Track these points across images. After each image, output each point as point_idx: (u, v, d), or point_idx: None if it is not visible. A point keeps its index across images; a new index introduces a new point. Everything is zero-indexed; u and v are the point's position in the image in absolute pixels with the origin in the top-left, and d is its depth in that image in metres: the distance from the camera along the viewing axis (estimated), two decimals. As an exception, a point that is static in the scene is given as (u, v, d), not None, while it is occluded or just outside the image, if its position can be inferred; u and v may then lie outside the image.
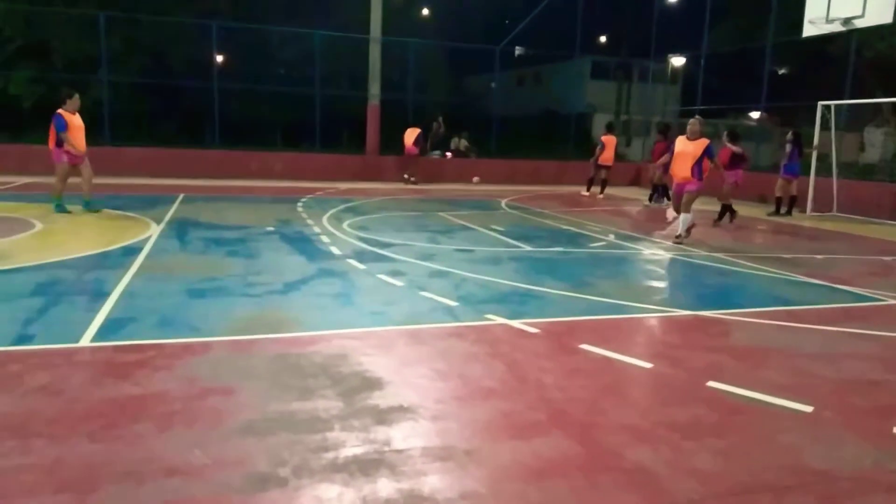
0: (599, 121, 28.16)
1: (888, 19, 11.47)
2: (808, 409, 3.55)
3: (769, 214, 13.29)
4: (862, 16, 11.75)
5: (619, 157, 18.21)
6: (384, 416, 3.22)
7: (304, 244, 7.87)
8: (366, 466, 2.74)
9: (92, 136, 16.86)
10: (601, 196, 15.95)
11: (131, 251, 6.97)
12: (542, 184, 19.30)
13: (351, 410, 3.27)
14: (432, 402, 3.43)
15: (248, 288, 5.65)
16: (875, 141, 21.84)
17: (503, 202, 13.97)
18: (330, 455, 2.82)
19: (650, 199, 14.69)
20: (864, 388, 3.95)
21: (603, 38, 36.50)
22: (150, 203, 10.94)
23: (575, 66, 31.18)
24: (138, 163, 16.13)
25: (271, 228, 8.95)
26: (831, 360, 4.43)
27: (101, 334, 4.25)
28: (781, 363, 4.32)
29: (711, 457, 2.98)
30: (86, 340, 4.12)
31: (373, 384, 3.62)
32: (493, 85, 23.55)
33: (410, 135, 17.13)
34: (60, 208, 9.51)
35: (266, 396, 3.40)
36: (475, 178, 18.16)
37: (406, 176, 17.36)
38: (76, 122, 9.57)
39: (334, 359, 3.98)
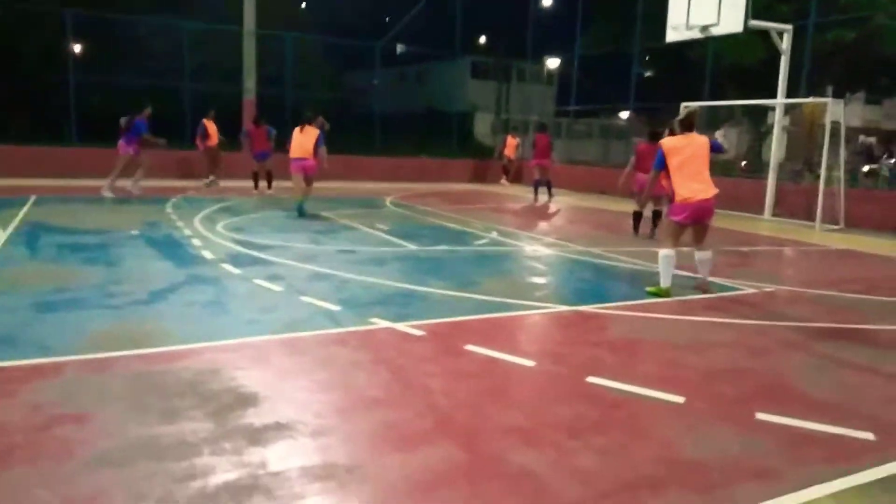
0: (481, 119, 28.70)
1: (739, 29, 12.40)
2: (681, 399, 3.69)
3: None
4: (717, 24, 12.64)
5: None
6: (259, 436, 3.01)
7: (172, 248, 7.36)
8: (238, 493, 2.52)
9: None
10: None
11: (-31, 261, 6.22)
12: (427, 181, 19.36)
13: (222, 431, 3.03)
14: (312, 417, 3.25)
15: (107, 299, 5.17)
16: (731, 139, 23.71)
17: (388, 200, 13.85)
18: (197, 483, 2.58)
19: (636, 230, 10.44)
20: (730, 376, 4.17)
21: (482, 39, 37.21)
22: (-6, 206, 9.87)
23: (456, 65, 31.57)
24: (-18, 161, 14.57)
25: (136, 232, 8.31)
26: (700, 349, 4.66)
27: (-74, 360, 3.72)
28: (654, 355, 4.50)
29: (593, 455, 3.01)
30: None
31: (247, 401, 3.38)
32: (374, 82, 23.34)
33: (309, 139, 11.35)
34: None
35: (124, 421, 3.08)
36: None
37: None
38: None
39: (204, 374, 3.69)
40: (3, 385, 3.43)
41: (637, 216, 10.33)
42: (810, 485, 2.82)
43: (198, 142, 15.10)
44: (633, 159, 10.14)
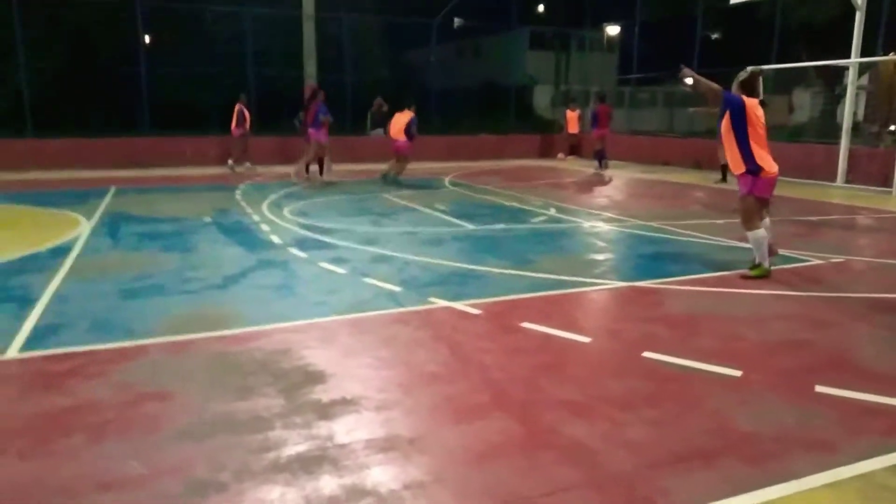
0: (540, 92, 28.33)
1: (808, -15, 11.81)
2: (737, 373, 3.70)
3: (717, 182, 13.33)
4: (784, -18, 12.07)
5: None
6: (327, 411, 3.22)
7: (243, 234, 7.73)
8: (308, 464, 2.74)
9: (13, 127, 16.16)
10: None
11: (60, 251, 6.71)
12: (485, 158, 19.37)
13: (292, 407, 3.25)
14: (376, 392, 3.44)
15: (184, 284, 5.52)
16: (803, 103, 22.61)
17: (446, 179, 13.97)
18: (271, 455, 2.81)
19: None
20: (789, 348, 4.14)
21: (540, 8, 36.53)
22: (79, 198, 10.52)
23: (513, 37, 31.15)
24: (65, 155, 15.47)
25: (208, 219, 8.74)
26: (759, 323, 4.62)
27: (30, 344, 4.10)
28: (712, 329, 4.49)
29: (645, 427, 3.09)
30: (13, 351, 3.97)
31: (315, 378, 3.61)
32: (431, 59, 23.35)
33: (399, 122, 13.23)
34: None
35: (204, 398, 3.35)
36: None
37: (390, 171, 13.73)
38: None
39: (275, 354, 3.94)
40: (96, 366, 3.76)
41: None
42: (868, 457, 2.83)
43: (234, 127, 15.28)
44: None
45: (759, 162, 5.61)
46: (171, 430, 3.01)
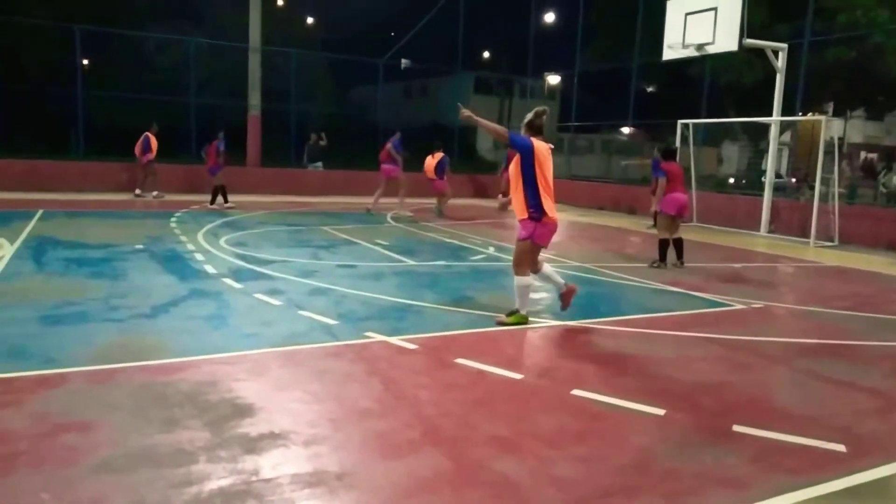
0: (483, 134, 28.91)
1: (734, 48, 12.60)
2: (661, 411, 3.83)
3: (649, 228, 13.74)
4: (712, 42, 12.85)
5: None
6: (253, 445, 3.16)
7: (175, 263, 7.54)
8: (231, 499, 2.67)
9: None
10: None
11: (-22, 275, 6.40)
12: (429, 196, 19.53)
13: (218, 440, 3.18)
14: (305, 427, 3.40)
15: (111, 312, 5.34)
16: (731, 155, 23.90)
17: (389, 215, 14.03)
18: (193, 490, 2.73)
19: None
20: (711, 389, 4.30)
21: (486, 54, 37.58)
22: (2, 220, 10.08)
23: (459, 80, 31.88)
24: (-10, 176, 14.81)
25: (140, 246, 8.50)
26: (684, 364, 4.80)
27: (-62, 370, 3.88)
28: (640, 369, 4.64)
29: (572, 464, 3.15)
30: (-82, 378, 3.75)
31: (243, 411, 3.53)
32: (378, 97, 23.59)
33: (430, 164, 14.77)
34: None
35: (126, 430, 3.23)
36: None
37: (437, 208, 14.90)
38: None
39: (203, 386, 3.85)
40: (11, 395, 3.59)
41: (664, 244, 9.00)
42: (778, 494, 2.95)
43: (138, 154, 14.95)
44: (663, 181, 8.92)
45: (544, 207, 5.40)
46: (88, 463, 2.89)
